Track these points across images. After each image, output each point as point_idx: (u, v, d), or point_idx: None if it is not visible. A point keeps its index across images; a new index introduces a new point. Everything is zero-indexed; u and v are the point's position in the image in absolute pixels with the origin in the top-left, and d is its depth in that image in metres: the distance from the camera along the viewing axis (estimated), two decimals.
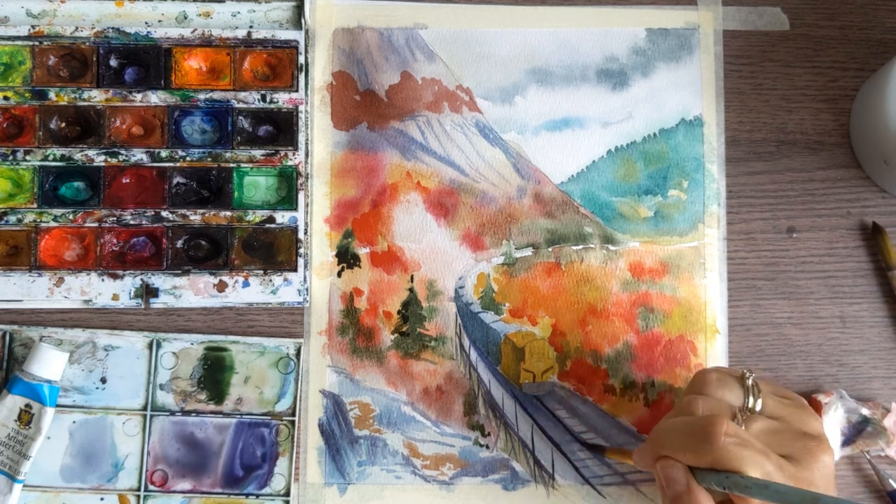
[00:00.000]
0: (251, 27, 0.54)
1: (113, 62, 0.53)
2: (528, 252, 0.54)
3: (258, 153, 0.53)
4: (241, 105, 0.53)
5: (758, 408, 0.43)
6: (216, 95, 0.53)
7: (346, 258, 0.53)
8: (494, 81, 0.54)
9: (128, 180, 0.53)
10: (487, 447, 0.52)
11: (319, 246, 0.53)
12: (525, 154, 0.54)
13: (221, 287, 0.52)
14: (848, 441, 0.51)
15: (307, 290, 0.53)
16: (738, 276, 0.53)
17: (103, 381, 0.52)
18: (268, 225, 0.53)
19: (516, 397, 0.52)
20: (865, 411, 0.51)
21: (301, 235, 0.53)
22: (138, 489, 0.51)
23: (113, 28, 0.53)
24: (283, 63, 0.54)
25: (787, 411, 0.43)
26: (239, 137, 0.53)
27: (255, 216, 0.53)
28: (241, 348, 0.52)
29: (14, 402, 0.49)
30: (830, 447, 0.42)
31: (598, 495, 0.52)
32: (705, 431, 0.39)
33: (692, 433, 0.40)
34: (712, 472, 0.39)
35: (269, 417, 0.52)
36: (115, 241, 0.52)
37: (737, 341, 0.53)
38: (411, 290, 0.53)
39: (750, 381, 0.43)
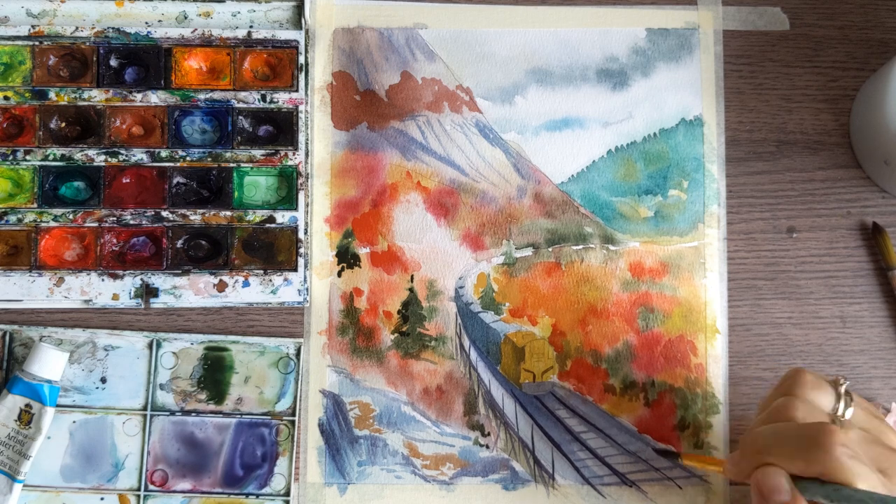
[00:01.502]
0: (251, 27, 0.54)
1: (113, 62, 0.53)
2: (529, 252, 0.54)
3: (258, 153, 0.53)
4: (241, 105, 0.53)
5: (847, 416, 0.41)
6: (216, 95, 0.53)
7: (346, 258, 0.53)
8: (494, 81, 0.54)
9: (128, 180, 0.53)
10: (487, 447, 0.52)
11: (319, 246, 0.53)
12: (525, 154, 0.54)
13: (221, 287, 0.52)
14: None
15: (307, 289, 0.53)
16: (738, 276, 0.53)
17: (103, 380, 0.52)
18: (268, 225, 0.53)
19: (516, 397, 0.52)
20: None
21: (301, 235, 0.53)
22: (138, 489, 0.51)
23: (113, 28, 0.53)
24: (283, 63, 0.54)
25: (874, 424, 0.41)
26: (239, 137, 0.53)
27: (255, 216, 0.53)
28: (241, 348, 0.52)
29: (14, 401, 0.49)
30: None
31: (598, 495, 0.52)
32: (818, 440, 0.37)
33: (802, 441, 0.38)
34: (816, 483, 0.37)
35: (269, 417, 0.52)
36: (115, 240, 0.52)
37: (737, 341, 0.53)
38: (411, 289, 0.53)
39: (843, 389, 0.42)
